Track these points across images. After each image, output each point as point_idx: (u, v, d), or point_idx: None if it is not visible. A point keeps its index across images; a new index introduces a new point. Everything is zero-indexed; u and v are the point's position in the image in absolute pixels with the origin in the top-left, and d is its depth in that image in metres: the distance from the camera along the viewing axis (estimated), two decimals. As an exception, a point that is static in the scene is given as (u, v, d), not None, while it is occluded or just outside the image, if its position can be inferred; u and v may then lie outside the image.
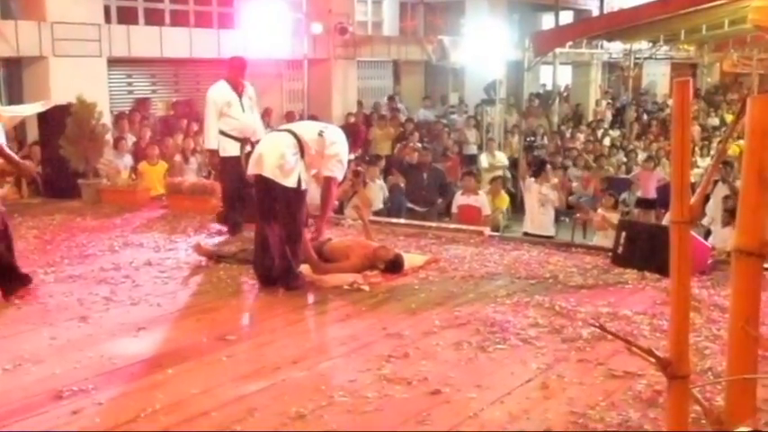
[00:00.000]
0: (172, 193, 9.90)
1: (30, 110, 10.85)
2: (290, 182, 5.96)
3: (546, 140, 18.07)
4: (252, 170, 6.13)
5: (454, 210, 11.08)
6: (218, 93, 8.08)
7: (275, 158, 5.94)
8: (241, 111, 8.05)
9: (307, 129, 6.29)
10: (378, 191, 11.38)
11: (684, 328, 2.07)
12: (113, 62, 13.95)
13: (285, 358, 4.62)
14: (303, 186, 6.08)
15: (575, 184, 13.56)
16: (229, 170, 8.08)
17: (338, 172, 6.21)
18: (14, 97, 12.88)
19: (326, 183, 6.23)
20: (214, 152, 8.22)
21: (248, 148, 8.01)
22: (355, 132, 6.80)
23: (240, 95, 8.09)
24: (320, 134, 6.12)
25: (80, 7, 12.88)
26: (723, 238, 8.58)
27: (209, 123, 8.09)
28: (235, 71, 8.22)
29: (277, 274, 6.10)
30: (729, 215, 9.64)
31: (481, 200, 10.93)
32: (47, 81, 12.64)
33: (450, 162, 15.21)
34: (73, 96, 10.35)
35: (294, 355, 4.68)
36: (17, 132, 12.32)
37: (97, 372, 4.42)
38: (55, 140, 10.23)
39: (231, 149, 8.06)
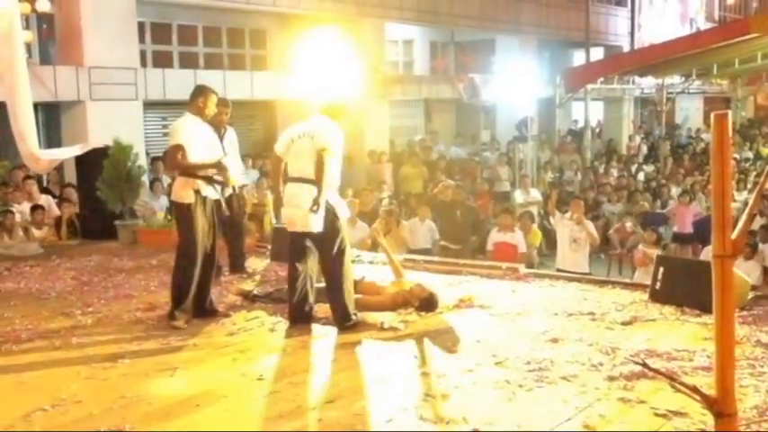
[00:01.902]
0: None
1: (68, 153, 11.07)
2: (318, 226, 6.03)
3: (579, 176, 17.99)
4: (291, 228, 6.23)
5: (490, 247, 10.96)
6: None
7: (305, 212, 6.02)
8: (221, 151, 7.88)
9: (304, 149, 6.17)
10: (425, 231, 11.38)
11: (730, 364, 2.03)
12: (149, 105, 14.18)
13: (321, 398, 4.59)
14: (338, 223, 6.12)
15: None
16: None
17: (326, 143, 6.07)
18: (53, 141, 13.14)
19: (318, 155, 6.04)
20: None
21: (228, 191, 7.92)
22: (338, 110, 6.48)
23: (221, 138, 7.96)
24: (306, 135, 6.15)
25: (116, 52, 13.14)
26: (746, 271, 8.44)
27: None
28: (218, 115, 8.04)
29: (333, 316, 6.17)
30: (752, 249, 9.51)
31: (518, 237, 10.84)
32: (84, 124, 12.88)
33: (482, 199, 15.18)
34: (110, 139, 10.51)
35: (330, 394, 4.66)
36: (58, 175, 12.54)
37: (134, 411, 4.43)
38: (92, 182, 10.36)
39: (211, 192, 7.76)
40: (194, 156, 6.36)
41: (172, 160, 6.41)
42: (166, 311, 6.43)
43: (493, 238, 10.98)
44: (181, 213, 6.47)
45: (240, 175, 8.49)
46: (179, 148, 6.28)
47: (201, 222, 6.37)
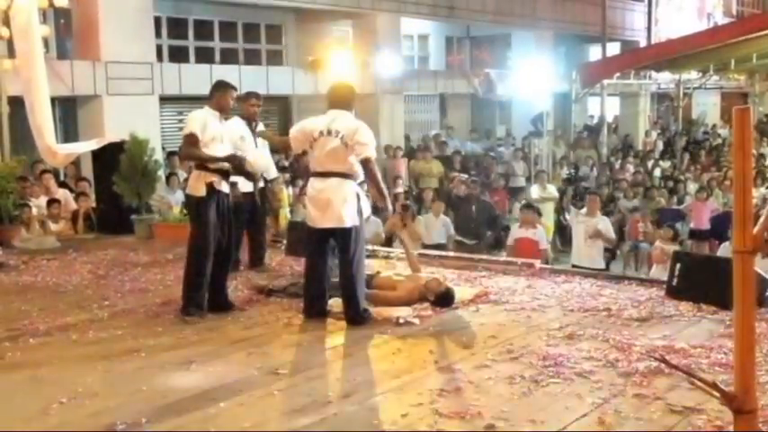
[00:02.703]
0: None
1: (85, 147, 11.13)
2: (353, 220, 6.04)
3: (595, 171, 17.92)
4: (320, 224, 6.15)
5: (510, 242, 10.89)
6: (233, 126, 7.93)
7: (338, 207, 6.01)
8: (254, 146, 7.95)
9: (332, 148, 6.11)
10: (440, 226, 11.38)
11: (750, 360, 2.01)
12: (165, 100, 14.24)
13: (336, 392, 4.60)
14: (363, 218, 6.15)
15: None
16: (242, 207, 7.67)
17: (369, 151, 6.08)
18: (70, 135, 13.21)
19: (366, 167, 6.11)
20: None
21: (261, 183, 7.99)
22: (350, 95, 6.45)
23: (253, 132, 8.02)
24: (334, 134, 6.08)
25: (133, 47, 13.20)
26: (764, 269, 8.35)
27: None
28: (248, 107, 8.13)
29: (346, 311, 6.15)
30: None
31: (539, 233, 10.79)
32: (101, 119, 12.95)
33: (497, 195, 15.16)
34: (126, 133, 10.55)
35: (345, 388, 4.66)
36: (76, 169, 12.60)
37: (150, 405, 4.44)
38: (108, 177, 10.41)
39: (244, 185, 7.59)
40: (206, 148, 6.35)
41: (186, 148, 6.41)
42: (183, 309, 6.43)
43: (514, 234, 10.92)
44: (193, 206, 6.49)
45: (272, 168, 8.51)
46: (192, 136, 6.28)
47: (213, 217, 6.37)
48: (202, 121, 6.33)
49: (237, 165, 6.53)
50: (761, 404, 4.13)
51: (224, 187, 6.48)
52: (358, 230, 6.12)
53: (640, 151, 22.13)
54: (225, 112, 6.62)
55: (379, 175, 6.22)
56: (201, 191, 6.35)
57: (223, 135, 6.57)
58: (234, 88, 6.62)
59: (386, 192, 6.29)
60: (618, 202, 14.45)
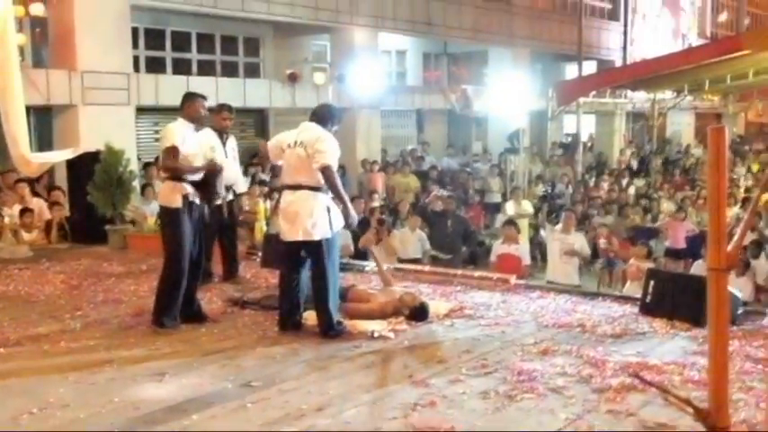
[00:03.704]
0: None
1: (59, 156, 11.06)
2: (322, 233, 6.02)
3: (570, 189, 18.03)
4: (288, 237, 6.14)
5: (493, 258, 10.93)
6: (204, 137, 7.92)
7: (305, 220, 6.01)
8: (224, 156, 7.95)
9: (298, 158, 6.12)
10: (416, 241, 11.38)
11: (723, 377, 2.03)
12: (141, 110, 14.15)
13: (310, 405, 4.58)
14: (333, 231, 6.10)
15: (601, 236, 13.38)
16: (210, 219, 7.79)
17: (327, 159, 6.02)
18: (45, 144, 13.08)
19: (324, 174, 6.03)
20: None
21: (230, 196, 7.99)
22: (329, 113, 6.42)
23: (224, 144, 8.04)
24: (299, 144, 6.09)
25: (110, 57, 13.11)
26: (737, 287, 8.47)
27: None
28: (220, 120, 8.13)
29: (319, 324, 6.13)
30: (744, 266, 9.57)
31: (522, 249, 10.82)
32: (76, 128, 12.83)
33: (473, 210, 15.19)
34: (101, 144, 10.49)
35: (319, 402, 4.64)
36: (50, 179, 12.49)
37: (122, 417, 4.41)
38: (83, 186, 10.34)
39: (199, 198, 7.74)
40: (184, 160, 6.36)
41: (170, 161, 6.35)
42: (156, 320, 6.37)
43: (497, 250, 10.95)
44: (168, 218, 6.45)
45: (241, 182, 8.51)
46: (174, 149, 6.28)
47: (188, 228, 6.36)
48: (181, 134, 6.35)
49: (218, 171, 6.58)
50: (735, 420, 4.17)
51: (197, 199, 6.47)
52: (329, 243, 6.10)
53: (615, 169, 22.30)
54: (198, 122, 6.64)
55: (340, 184, 6.14)
56: (177, 202, 6.33)
57: (199, 146, 6.58)
58: (203, 98, 6.65)
59: (347, 200, 6.24)
60: (592, 219, 14.52)
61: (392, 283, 7.34)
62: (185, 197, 6.36)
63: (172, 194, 6.37)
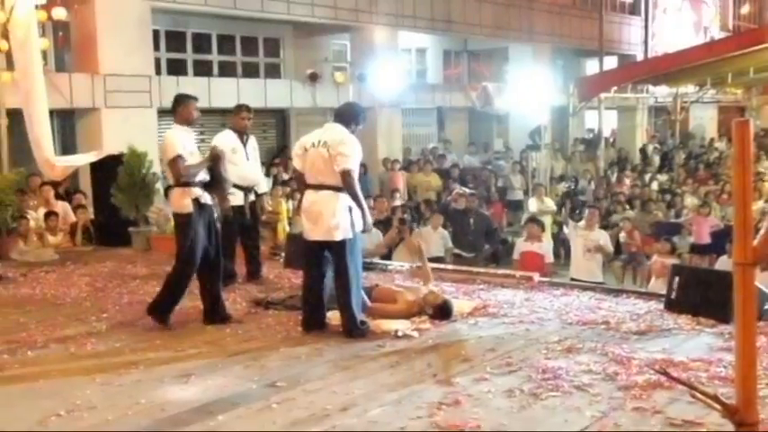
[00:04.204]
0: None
1: (83, 159, 11.15)
2: (344, 233, 6.03)
3: (593, 185, 17.95)
4: (311, 236, 6.18)
5: (516, 256, 10.87)
6: (225, 139, 7.93)
7: (328, 220, 6.03)
8: (245, 159, 8.00)
9: (319, 159, 6.12)
10: (438, 239, 11.37)
11: (752, 373, 2.01)
12: (163, 113, 14.22)
13: (335, 405, 4.58)
14: (355, 231, 6.11)
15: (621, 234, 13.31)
16: (232, 219, 7.65)
17: (348, 163, 6.02)
18: (68, 147, 13.22)
19: (344, 179, 6.03)
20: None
21: (252, 197, 8.04)
22: (353, 112, 6.43)
23: (244, 144, 8.08)
24: (322, 144, 6.09)
25: (131, 60, 13.22)
26: (763, 282, 8.36)
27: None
28: (239, 120, 8.16)
29: (343, 324, 6.14)
30: None
31: (545, 247, 10.76)
32: (99, 131, 12.96)
33: (495, 208, 15.15)
34: (124, 146, 10.57)
35: (344, 401, 4.64)
36: (74, 182, 12.60)
37: (148, 418, 4.43)
38: (107, 189, 10.42)
39: (235, 198, 7.73)
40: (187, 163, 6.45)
41: (183, 170, 6.37)
42: (155, 311, 6.50)
43: (520, 248, 10.89)
44: (182, 223, 6.50)
45: (263, 182, 8.57)
46: (180, 158, 6.35)
47: (202, 231, 6.43)
48: (181, 140, 6.44)
49: (221, 157, 6.69)
50: (761, 417, 4.13)
51: (208, 200, 6.55)
52: (351, 243, 6.10)
53: (638, 165, 22.15)
54: (191, 124, 6.71)
55: (359, 188, 6.13)
56: (189, 207, 6.39)
57: (194, 148, 6.67)
58: (195, 99, 6.72)
59: (365, 205, 6.24)
60: (614, 215, 14.44)
61: (431, 280, 7.29)
62: (196, 200, 6.43)
63: (182, 200, 6.43)
